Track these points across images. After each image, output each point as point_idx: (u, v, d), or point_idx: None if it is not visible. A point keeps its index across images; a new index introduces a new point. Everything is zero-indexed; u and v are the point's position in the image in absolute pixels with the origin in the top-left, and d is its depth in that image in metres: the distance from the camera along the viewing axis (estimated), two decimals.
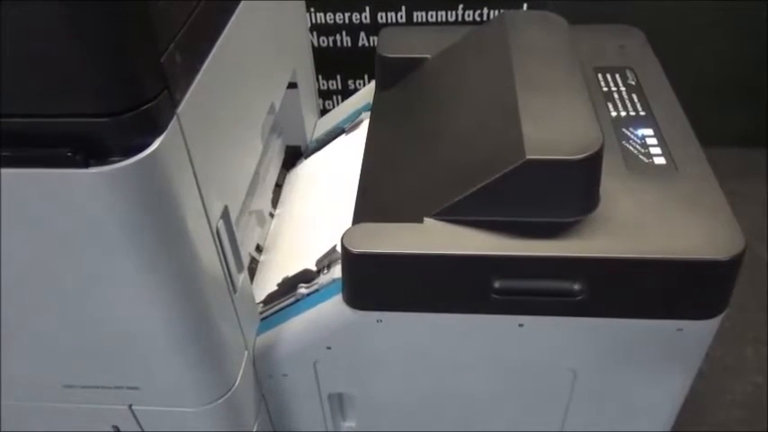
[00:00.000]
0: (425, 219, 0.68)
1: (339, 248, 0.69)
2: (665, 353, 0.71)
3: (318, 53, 1.30)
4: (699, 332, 0.69)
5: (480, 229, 0.66)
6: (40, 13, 0.44)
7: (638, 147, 0.75)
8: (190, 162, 0.57)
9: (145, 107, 0.50)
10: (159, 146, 0.51)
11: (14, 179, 0.51)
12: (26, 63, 0.47)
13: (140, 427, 0.75)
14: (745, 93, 1.57)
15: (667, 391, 0.76)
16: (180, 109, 0.54)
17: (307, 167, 1.04)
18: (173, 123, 0.53)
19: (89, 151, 0.49)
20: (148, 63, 0.50)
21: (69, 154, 0.49)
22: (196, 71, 0.59)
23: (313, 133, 1.11)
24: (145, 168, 0.51)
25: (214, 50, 0.63)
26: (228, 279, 0.68)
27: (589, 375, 0.76)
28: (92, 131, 0.49)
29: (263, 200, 0.92)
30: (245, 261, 0.76)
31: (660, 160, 0.73)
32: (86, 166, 0.50)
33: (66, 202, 0.52)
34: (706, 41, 1.50)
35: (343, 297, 0.71)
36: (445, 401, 0.83)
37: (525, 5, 1.30)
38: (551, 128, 0.65)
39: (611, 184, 0.69)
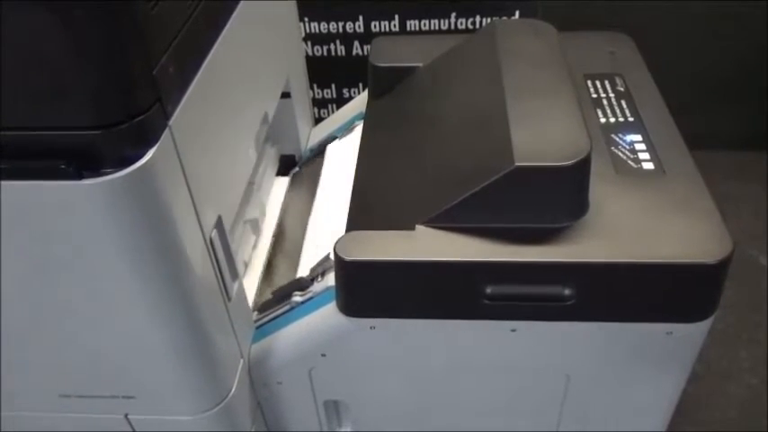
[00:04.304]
0: (417, 226, 0.68)
1: (332, 256, 0.69)
2: (656, 356, 0.72)
3: (313, 62, 1.31)
4: (689, 335, 0.69)
5: (471, 235, 0.67)
6: (32, 25, 0.45)
7: (626, 152, 0.76)
8: (183, 173, 0.58)
9: (137, 119, 0.50)
10: (152, 157, 0.52)
11: (8, 191, 0.52)
12: (19, 76, 0.47)
13: None
14: (743, 96, 1.58)
15: (660, 394, 0.77)
16: (172, 120, 0.55)
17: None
18: (165, 135, 0.54)
19: (82, 163, 0.50)
20: (141, 75, 0.51)
21: (63, 166, 0.50)
22: (189, 83, 0.59)
23: (307, 142, 1.12)
24: (138, 180, 0.52)
25: (207, 61, 0.63)
26: (223, 288, 0.69)
27: (582, 379, 0.76)
28: (85, 144, 0.50)
29: (257, 209, 0.93)
30: (240, 270, 0.76)
31: (648, 165, 0.74)
32: (80, 177, 0.50)
33: (59, 214, 0.53)
34: (705, 44, 1.51)
35: (337, 305, 0.72)
36: (439, 407, 0.83)
37: (517, 13, 1.31)
38: (540, 135, 0.66)
39: (601, 190, 0.70)
